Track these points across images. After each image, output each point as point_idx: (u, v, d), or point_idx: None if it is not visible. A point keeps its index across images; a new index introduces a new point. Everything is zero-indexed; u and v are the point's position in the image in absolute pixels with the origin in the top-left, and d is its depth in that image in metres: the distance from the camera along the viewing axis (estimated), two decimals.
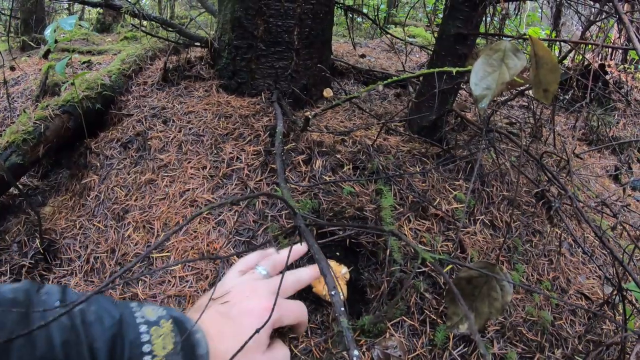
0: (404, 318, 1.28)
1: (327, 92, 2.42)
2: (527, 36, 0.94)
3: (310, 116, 1.55)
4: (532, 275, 1.51)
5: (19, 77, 2.90)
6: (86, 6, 4.93)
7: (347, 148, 1.67)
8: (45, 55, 2.96)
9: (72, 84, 1.90)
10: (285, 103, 2.05)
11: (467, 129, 2.00)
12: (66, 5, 6.37)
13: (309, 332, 1.30)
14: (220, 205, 0.62)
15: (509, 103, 2.90)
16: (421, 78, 2.07)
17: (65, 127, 1.80)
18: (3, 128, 2.11)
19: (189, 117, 1.96)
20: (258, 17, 1.98)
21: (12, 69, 3.00)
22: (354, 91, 2.59)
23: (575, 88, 2.98)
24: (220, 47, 2.23)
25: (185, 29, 2.29)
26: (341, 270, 1.28)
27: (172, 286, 1.44)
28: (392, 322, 1.26)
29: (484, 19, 1.93)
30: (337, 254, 1.39)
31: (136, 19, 2.00)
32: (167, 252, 1.53)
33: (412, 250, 1.31)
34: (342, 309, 0.75)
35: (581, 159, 2.66)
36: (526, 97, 2.93)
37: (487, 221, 1.54)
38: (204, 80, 2.31)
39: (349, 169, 1.55)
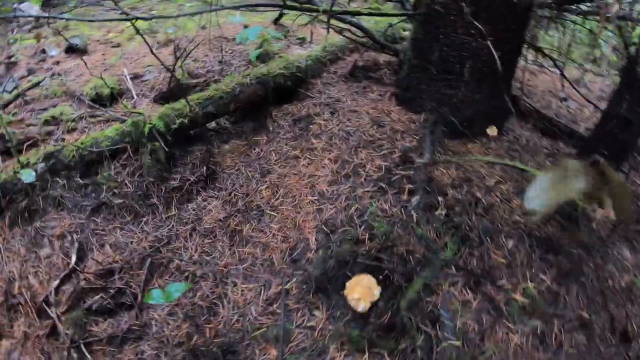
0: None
1: (492, 130, 2.38)
2: None
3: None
4: None
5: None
6: None
7: (457, 194, 1.72)
8: (276, 21, 3.45)
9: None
10: (440, 130, 2.14)
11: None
12: None
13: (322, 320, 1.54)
14: None
15: None
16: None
17: (256, 94, 2.28)
18: (221, 76, 2.72)
19: (350, 116, 2.23)
20: (434, 42, 2.08)
21: (246, 27, 3.62)
22: (524, 136, 2.47)
23: None
24: (403, 60, 2.41)
25: (379, 38, 2.53)
26: (375, 291, 1.46)
27: (266, 236, 1.86)
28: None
29: None
30: (380, 277, 1.54)
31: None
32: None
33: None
34: None
35: None
36: None
37: (538, 332, 1.42)
38: (384, 84, 2.53)
39: (440, 213, 1.62)
